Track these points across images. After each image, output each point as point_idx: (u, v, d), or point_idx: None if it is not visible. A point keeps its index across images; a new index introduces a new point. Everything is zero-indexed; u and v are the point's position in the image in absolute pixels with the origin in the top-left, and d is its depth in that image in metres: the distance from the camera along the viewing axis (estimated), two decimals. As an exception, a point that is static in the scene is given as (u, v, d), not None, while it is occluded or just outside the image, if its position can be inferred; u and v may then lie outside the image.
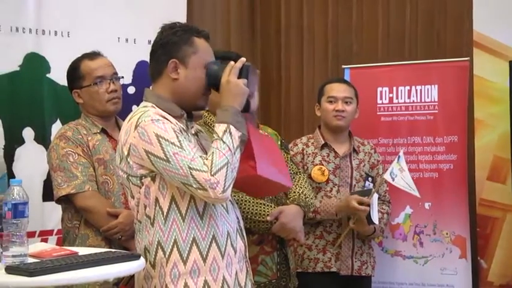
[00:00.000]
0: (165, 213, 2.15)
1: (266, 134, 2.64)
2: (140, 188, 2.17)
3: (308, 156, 3.39)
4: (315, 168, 3.36)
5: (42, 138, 3.47)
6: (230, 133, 2.10)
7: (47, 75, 3.53)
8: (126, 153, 2.15)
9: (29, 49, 3.47)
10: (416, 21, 4.35)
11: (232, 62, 2.21)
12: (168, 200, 2.15)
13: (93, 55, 2.92)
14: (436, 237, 3.82)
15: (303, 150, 3.41)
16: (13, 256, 1.98)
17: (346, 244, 3.34)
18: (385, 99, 3.96)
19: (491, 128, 3.76)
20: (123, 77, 3.07)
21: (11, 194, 2.08)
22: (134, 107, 3.20)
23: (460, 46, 4.11)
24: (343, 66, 4.10)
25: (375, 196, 3.27)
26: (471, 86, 3.80)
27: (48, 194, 3.17)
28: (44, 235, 3.44)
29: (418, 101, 3.90)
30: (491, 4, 3.77)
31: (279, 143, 2.92)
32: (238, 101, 2.16)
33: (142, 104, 2.25)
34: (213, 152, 2.08)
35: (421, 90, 3.90)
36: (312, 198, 2.89)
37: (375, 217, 3.25)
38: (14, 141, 3.42)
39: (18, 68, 3.44)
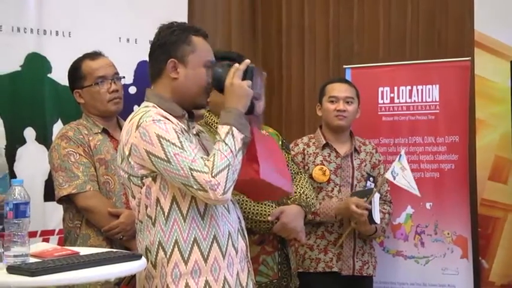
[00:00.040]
0: (166, 214, 2.15)
1: (271, 137, 2.64)
2: (141, 188, 2.17)
3: (309, 156, 3.39)
4: (316, 168, 3.36)
5: (44, 138, 3.48)
6: (233, 135, 2.10)
7: (48, 75, 3.53)
8: (127, 153, 2.16)
9: (30, 49, 3.48)
10: (417, 21, 4.35)
11: (236, 65, 2.21)
12: (169, 200, 2.15)
13: (95, 55, 2.92)
14: (437, 237, 3.82)
15: (304, 150, 3.41)
16: (15, 256, 1.98)
17: (347, 244, 3.34)
18: (386, 99, 3.96)
19: (492, 127, 3.76)
20: (124, 77, 3.07)
21: (12, 194, 2.08)
22: (135, 107, 3.20)
23: (461, 46, 4.10)
24: (345, 66, 4.10)
25: (377, 195, 3.27)
26: (472, 86, 3.80)
27: (49, 194, 3.17)
28: (46, 235, 3.44)
29: (419, 100, 3.90)
30: (493, 4, 3.77)
31: (280, 143, 2.92)
32: (242, 103, 2.15)
33: (144, 104, 2.25)
34: (214, 154, 2.08)
35: (422, 90, 3.90)
36: (313, 199, 2.89)
37: (377, 217, 3.25)
38: (16, 141, 3.42)
39: (19, 68, 3.44)
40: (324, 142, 3.41)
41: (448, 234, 3.80)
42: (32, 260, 2.02)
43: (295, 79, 4.75)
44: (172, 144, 2.08)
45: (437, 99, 3.86)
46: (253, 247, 2.66)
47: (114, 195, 2.79)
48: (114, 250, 2.33)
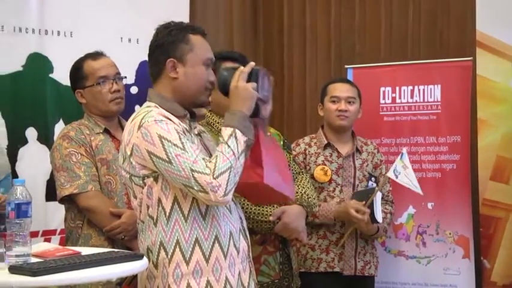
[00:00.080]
0: (167, 214, 2.15)
1: (275, 141, 2.63)
2: (143, 188, 2.17)
3: (311, 156, 3.39)
4: (317, 168, 3.36)
5: (45, 138, 3.48)
6: (236, 137, 2.10)
7: (50, 75, 3.53)
8: (129, 153, 2.16)
9: (32, 49, 3.48)
10: (419, 21, 4.34)
11: (241, 67, 2.21)
12: (170, 200, 2.15)
13: (96, 55, 2.92)
14: (439, 237, 3.81)
15: (305, 150, 3.41)
16: (16, 256, 1.98)
17: (349, 244, 3.34)
18: (388, 99, 3.96)
19: (494, 127, 3.76)
20: (126, 77, 3.07)
21: (14, 194, 2.08)
22: (137, 107, 3.21)
23: (463, 46, 4.10)
24: (346, 66, 4.10)
25: (379, 194, 3.27)
26: (474, 86, 3.80)
27: (51, 193, 3.17)
28: (47, 235, 3.44)
29: (421, 100, 3.90)
30: (494, 4, 3.77)
31: (282, 143, 2.92)
32: (246, 105, 2.15)
33: (146, 104, 2.25)
34: (217, 155, 2.08)
35: (424, 90, 3.90)
36: (314, 199, 2.89)
37: (379, 216, 3.25)
38: (17, 141, 3.42)
39: (21, 68, 3.45)
40: (326, 142, 3.41)
41: (450, 234, 3.80)
42: (34, 260, 2.02)
43: (297, 79, 4.75)
44: (174, 145, 2.08)
45: (439, 99, 3.86)
46: (255, 247, 2.66)
47: (116, 195, 2.79)
48: (116, 250, 2.33)
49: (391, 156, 3.78)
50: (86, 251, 2.18)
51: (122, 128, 2.80)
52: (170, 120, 2.15)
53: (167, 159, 2.07)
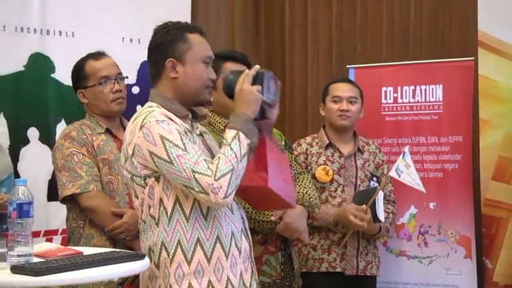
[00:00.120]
0: (169, 214, 2.15)
1: (279, 146, 2.64)
2: (144, 188, 2.17)
3: (312, 156, 3.39)
4: (319, 168, 3.36)
5: (47, 138, 3.48)
6: (239, 140, 2.10)
7: (52, 75, 3.54)
8: (130, 153, 2.16)
9: (34, 49, 3.48)
10: (421, 21, 4.34)
11: (247, 71, 2.21)
12: (172, 200, 2.15)
13: (98, 55, 2.92)
14: (440, 237, 3.81)
15: (306, 150, 3.41)
16: (18, 256, 1.98)
17: (351, 244, 3.33)
18: (390, 99, 3.96)
19: (496, 127, 3.75)
20: (127, 77, 3.07)
21: (16, 194, 2.08)
22: (139, 107, 3.22)
23: (465, 46, 4.09)
24: (348, 66, 4.10)
25: (381, 193, 3.26)
26: (476, 86, 3.79)
27: (53, 193, 3.17)
28: (49, 235, 3.44)
29: (423, 100, 3.90)
30: (496, 4, 3.76)
31: (283, 142, 2.92)
32: (251, 108, 2.15)
33: (148, 104, 2.25)
34: (219, 157, 2.08)
35: (425, 90, 3.90)
36: (316, 199, 2.89)
37: (381, 215, 3.24)
38: (19, 141, 3.43)
39: (22, 68, 3.45)
40: (327, 142, 3.41)
41: (452, 234, 3.80)
42: (36, 259, 2.02)
43: (298, 79, 4.74)
44: (175, 145, 2.08)
45: (441, 99, 3.86)
46: (256, 247, 2.66)
47: (118, 195, 2.79)
48: (118, 250, 2.33)
49: (392, 156, 3.78)
50: (87, 251, 2.18)
51: (124, 128, 2.80)
52: (172, 120, 2.15)
53: (168, 159, 2.07)
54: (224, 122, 2.69)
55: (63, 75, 3.34)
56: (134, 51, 3.69)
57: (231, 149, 2.08)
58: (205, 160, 2.08)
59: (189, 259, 2.14)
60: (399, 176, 3.25)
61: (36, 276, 1.87)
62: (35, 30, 3.48)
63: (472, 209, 3.79)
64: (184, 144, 2.09)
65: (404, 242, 3.87)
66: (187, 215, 2.15)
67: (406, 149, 3.34)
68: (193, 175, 2.04)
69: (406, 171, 3.24)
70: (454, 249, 3.79)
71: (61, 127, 3.38)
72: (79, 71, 2.90)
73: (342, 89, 3.45)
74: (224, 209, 2.20)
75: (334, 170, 3.36)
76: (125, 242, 2.73)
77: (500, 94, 3.74)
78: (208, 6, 4.54)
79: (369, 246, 3.40)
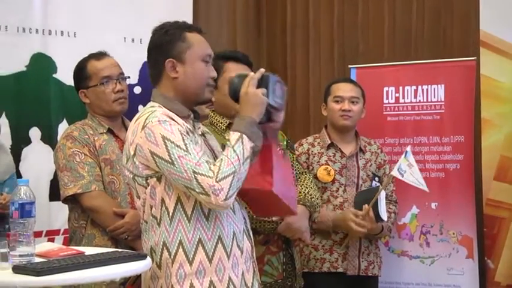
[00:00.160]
0: (170, 214, 2.15)
1: (284, 151, 2.64)
2: (146, 188, 2.17)
3: (314, 156, 3.39)
4: (320, 168, 3.35)
5: (49, 138, 3.48)
6: (242, 142, 2.10)
7: (54, 75, 3.54)
8: (132, 153, 2.16)
9: (36, 49, 3.49)
10: (422, 21, 4.34)
11: (252, 74, 2.21)
12: (174, 200, 2.15)
13: (100, 55, 2.92)
14: (442, 237, 3.81)
15: (308, 150, 3.41)
16: (20, 256, 1.98)
17: (353, 244, 3.33)
18: (392, 98, 3.95)
19: (498, 127, 3.75)
20: (129, 77, 3.07)
21: (18, 194, 2.09)
22: (140, 107, 3.22)
23: (467, 45, 4.09)
24: (350, 66, 4.10)
25: (383, 193, 3.26)
26: (478, 86, 3.79)
27: (54, 193, 3.18)
28: (51, 235, 3.45)
29: (425, 100, 3.90)
30: (498, 3, 3.76)
31: (285, 142, 2.92)
32: (256, 111, 2.15)
33: (150, 104, 2.25)
34: (221, 159, 2.08)
35: (427, 89, 3.89)
36: (317, 199, 2.89)
37: (383, 214, 3.24)
38: (21, 141, 3.43)
39: (24, 68, 3.46)
40: (329, 142, 3.41)
41: (454, 234, 3.79)
42: (38, 259, 2.02)
43: (300, 79, 4.74)
44: (177, 146, 2.08)
45: (443, 99, 3.86)
46: (258, 247, 2.66)
47: (119, 195, 2.79)
48: (119, 250, 2.33)
49: (394, 156, 3.77)
50: (89, 250, 2.18)
51: (126, 128, 2.81)
52: (174, 120, 2.15)
53: (170, 160, 2.07)
54: (226, 122, 2.69)
55: (65, 75, 3.34)
56: (136, 51, 3.69)
57: (234, 151, 2.08)
58: (207, 161, 2.08)
59: (190, 259, 2.14)
60: (402, 176, 3.24)
61: (38, 276, 1.87)
62: (36, 31, 3.49)
63: (474, 209, 3.78)
64: (186, 145, 2.09)
65: (406, 242, 3.86)
66: (189, 215, 2.15)
67: (408, 148, 3.33)
68: (195, 176, 2.04)
69: (409, 171, 3.23)
70: (456, 249, 3.78)
71: (63, 127, 3.39)
72: (81, 71, 2.90)
73: (343, 89, 3.44)
74: (226, 209, 2.20)
75: (336, 170, 3.36)
76: (127, 242, 2.73)
77: (502, 94, 3.73)
78: (209, 6, 4.54)
79: (370, 246, 3.40)
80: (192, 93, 2.24)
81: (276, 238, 2.78)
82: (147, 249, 2.21)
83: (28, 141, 3.46)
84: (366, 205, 3.21)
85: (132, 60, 3.49)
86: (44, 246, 2.21)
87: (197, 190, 2.05)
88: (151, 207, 2.17)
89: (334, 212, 3.30)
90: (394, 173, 3.25)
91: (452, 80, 3.85)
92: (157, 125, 2.11)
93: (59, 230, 3.48)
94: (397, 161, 3.34)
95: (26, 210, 2.07)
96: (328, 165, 3.36)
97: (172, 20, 2.30)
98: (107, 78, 2.86)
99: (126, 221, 2.72)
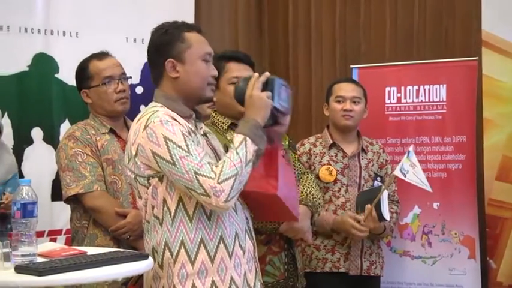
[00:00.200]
0: (172, 214, 2.15)
1: (288, 157, 2.65)
2: (148, 188, 2.17)
3: (315, 156, 3.39)
4: (322, 168, 3.35)
5: (51, 138, 3.49)
6: (245, 145, 2.10)
7: (56, 75, 3.55)
8: (134, 153, 2.16)
9: (38, 49, 3.49)
10: (424, 21, 4.34)
11: (256, 74, 2.21)
12: (175, 200, 2.15)
13: (102, 55, 2.93)
14: (444, 237, 3.81)
15: (310, 150, 3.41)
16: (22, 256, 1.98)
17: (355, 244, 3.33)
18: (393, 98, 3.95)
19: (499, 127, 3.75)
20: (131, 77, 3.07)
21: (20, 194, 2.09)
22: (142, 107, 3.21)
23: (469, 46, 4.09)
24: (351, 66, 4.09)
25: (385, 192, 3.26)
26: (480, 86, 3.79)
27: (57, 193, 3.18)
28: (53, 235, 3.45)
29: (427, 100, 3.89)
30: (500, 3, 3.76)
31: (287, 142, 2.92)
32: (261, 114, 2.15)
33: (152, 104, 2.25)
34: (224, 161, 2.08)
35: (429, 89, 3.89)
36: (319, 199, 2.89)
37: (386, 214, 3.24)
38: (23, 141, 3.44)
39: (26, 68, 3.46)
40: (331, 142, 3.41)
41: (456, 234, 3.79)
42: (40, 259, 2.02)
43: (302, 79, 4.74)
44: (179, 147, 2.08)
45: (445, 99, 3.85)
46: (260, 247, 2.65)
47: (121, 195, 2.80)
48: (121, 250, 2.33)
49: (396, 156, 3.77)
50: (91, 250, 2.18)
51: (128, 128, 2.81)
52: (176, 120, 2.15)
53: (171, 160, 2.07)
54: (228, 122, 2.69)
55: (67, 75, 3.35)
56: (138, 51, 3.69)
57: (237, 153, 2.08)
58: (209, 163, 2.08)
59: (192, 259, 2.14)
60: (404, 176, 3.23)
61: (40, 276, 1.87)
62: (38, 31, 3.49)
63: (476, 209, 3.78)
64: (187, 145, 2.09)
65: (408, 242, 3.86)
66: (191, 215, 2.15)
67: (411, 148, 3.33)
68: (196, 177, 2.04)
69: (411, 171, 3.23)
70: (458, 250, 3.78)
71: (65, 127, 3.40)
72: (83, 71, 2.90)
73: (345, 89, 3.44)
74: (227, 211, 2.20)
75: (338, 170, 3.36)
76: (129, 242, 2.73)
77: (504, 94, 3.74)
78: (211, 6, 4.54)
79: (372, 246, 3.40)
80: (194, 92, 2.24)
81: (277, 238, 2.77)
82: (149, 249, 2.20)
83: (30, 141, 3.46)
84: (369, 205, 3.21)
85: (134, 60, 3.50)
86: (46, 246, 2.21)
87: (198, 191, 2.05)
88: (153, 207, 2.18)
89: (333, 215, 3.30)
90: (397, 173, 3.24)
91: (454, 80, 3.85)
92: (159, 125, 2.11)
93: (61, 230, 3.48)
94: (399, 161, 3.34)
95: (28, 210, 2.07)
96: (330, 165, 3.36)
97: (174, 20, 2.30)
98: (109, 78, 2.86)
99: (128, 221, 2.72)
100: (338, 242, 3.33)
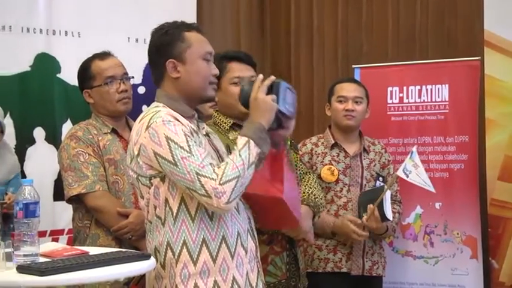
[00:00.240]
0: (174, 214, 2.15)
1: (292, 163, 2.65)
2: (149, 188, 2.17)
3: (317, 156, 3.39)
4: (324, 168, 3.35)
5: (53, 138, 3.49)
6: (249, 148, 2.10)
7: (58, 75, 3.54)
8: (136, 153, 2.16)
9: (40, 49, 3.49)
10: (426, 20, 4.33)
11: (260, 76, 2.22)
12: (177, 201, 2.15)
13: (104, 55, 2.93)
14: (446, 237, 3.80)
15: (311, 150, 3.41)
16: (24, 255, 1.99)
17: (357, 244, 3.33)
18: (396, 98, 3.95)
19: (502, 127, 3.74)
20: (133, 77, 3.08)
21: (22, 194, 2.09)
22: (144, 107, 3.22)
23: (471, 45, 4.08)
24: (353, 66, 4.09)
25: (388, 192, 3.26)
26: (482, 86, 3.79)
27: (59, 193, 3.18)
28: (55, 235, 3.45)
29: (429, 100, 3.89)
30: (502, 3, 3.75)
31: (289, 142, 2.92)
32: (265, 117, 2.15)
33: (154, 104, 2.25)
34: (227, 162, 2.08)
35: (431, 89, 3.89)
36: (321, 199, 2.89)
37: (389, 214, 3.23)
38: (25, 141, 3.44)
39: (29, 68, 3.46)
40: (333, 142, 3.41)
41: (458, 234, 3.79)
42: (42, 259, 2.03)
43: (304, 79, 4.74)
44: (181, 147, 2.08)
45: (447, 99, 3.85)
46: (262, 247, 2.65)
47: (123, 195, 2.80)
48: (123, 250, 2.33)
49: (398, 156, 3.77)
50: (93, 250, 2.19)
51: (130, 128, 2.81)
52: (178, 121, 2.15)
53: (173, 161, 2.07)
54: (229, 122, 2.69)
55: (69, 75, 3.35)
56: (140, 51, 3.65)
57: (240, 155, 2.08)
58: (210, 164, 2.09)
59: (194, 259, 2.14)
60: (407, 176, 3.23)
61: (42, 276, 1.87)
62: (41, 31, 3.49)
63: (478, 209, 3.78)
64: (189, 146, 2.09)
65: (410, 242, 3.86)
66: (193, 215, 2.15)
67: (414, 148, 3.32)
68: (198, 178, 2.05)
69: (414, 171, 3.23)
70: (460, 250, 3.78)
71: (67, 127, 3.39)
72: (85, 71, 2.91)
73: (347, 89, 3.44)
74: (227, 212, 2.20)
75: (340, 170, 3.36)
76: (131, 242, 2.73)
77: (506, 94, 3.73)
78: (213, 6, 4.54)
79: (374, 246, 3.40)
80: (195, 92, 2.24)
81: (279, 238, 2.77)
82: (152, 249, 2.21)
83: (32, 141, 3.47)
84: (371, 205, 3.21)
85: (136, 60, 3.49)
86: (48, 246, 2.21)
87: (199, 192, 2.05)
88: (155, 207, 2.18)
89: (333, 218, 3.30)
90: (399, 173, 3.24)
91: (456, 80, 3.85)
92: (161, 125, 2.11)
93: (63, 230, 3.48)
94: (401, 161, 3.34)
95: (30, 210, 2.07)
96: (332, 165, 3.36)
97: (176, 20, 2.30)
98: (111, 78, 2.86)
99: (130, 221, 2.72)
100: (340, 242, 3.32)
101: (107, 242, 2.74)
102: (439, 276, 3.80)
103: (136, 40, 3.81)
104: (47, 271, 1.89)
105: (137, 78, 3.59)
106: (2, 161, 3.13)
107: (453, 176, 3.82)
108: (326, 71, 4.65)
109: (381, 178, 3.40)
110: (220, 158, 2.27)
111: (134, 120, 2.32)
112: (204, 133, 2.30)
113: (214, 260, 2.15)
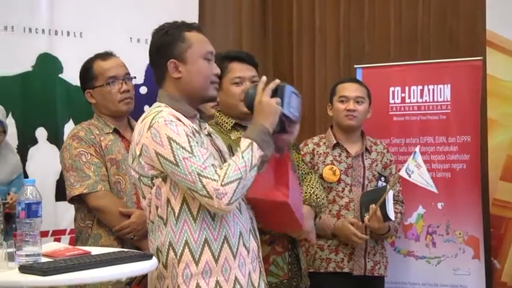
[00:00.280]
0: (176, 214, 2.15)
1: (295, 167, 2.66)
2: (151, 188, 2.17)
3: (319, 156, 3.39)
4: (326, 168, 3.35)
5: (55, 138, 3.49)
6: (252, 150, 2.10)
7: (60, 75, 3.55)
8: (138, 153, 2.16)
9: (42, 49, 3.50)
10: (428, 21, 4.33)
11: (264, 78, 2.22)
12: (179, 201, 2.15)
13: (106, 55, 2.93)
14: (449, 237, 3.80)
15: (313, 150, 3.41)
16: (26, 255, 1.99)
17: (358, 244, 3.32)
18: (398, 98, 3.95)
19: (504, 127, 3.74)
20: (135, 77, 3.08)
21: (24, 194, 2.09)
22: (146, 107, 3.22)
23: (473, 45, 4.08)
24: (355, 66, 4.09)
25: (390, 193, 3.25)
26: (484, 86, 3.78)
27: (61, 193, 3.19)
28: (57, 235, 3.46)
29: (431, 100, 3.89)
30: (504, 3, 3.75)
31: (291, 142, 2.92)
32: (269, 120, 2.16)
33: (156, 104, 2.25)
34: (229, 164, 2.08)
35: (433, 89, 3.89)
36: (323, 199, 2.88)
37: (391, 213, 3.23)
38: (27, 141, 3.44)
39: (31, 69, 3.47)
40: (335, 142, 3.41)
41: (460, 234, 3.79)
42: (44, 259, 2.03)
43: (306, 79, 4.74)
44: (182, 148, 2.08)
45: (449, 99, 3.85)
46: (264, 247, 2.65)
47: (125, 195, 2.80)
48: (125, 250, 2.33)
49: (400, 156, 3.77)
50: (95, 250, 2.19)
51: (132, 128, 2.81)
52: (180, 121, 2.15)
53: (174, 161, 2.07)
54: (231, 122, 2.69)
55: (71, 75, 3.35)
56: (142, 52, 3.63)
57: (242, 157, 2.09)
58: (212, 165, 2.09)
59: (196, 259, 2.14)
60: (409, 176, 3.23)
61: (44, 276, 1.87)
62: (43, 31, 3.50)
63: (480, 209, 3.77)
64: (191, 147, 2.09)
65: (412, 242, 3.86)
66: (195, 216, 2.15)
67: (417, 149, 3.32)
68: (200, 178, 2.05)
69: (417, 172, 3.23)
70: (462, 250, 3.78)
71: (69, 127, 3.40)
72: (87, 71, 2.91)
73: (349, 89, 3.44)
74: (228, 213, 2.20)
75: (342, 170, 3.36)
76: (133, 242, 2.73)
77: (508, 94, 3.72)
78: (215, 7, 4.54)
79: (376, 246, 3.40)
80: (197, 91, 2.24)
81: (281, 238, 2.77)
82: (154, 249, 2.21)
83: (34, 141, 3.47)
84: (373, 205, 3.21)
85: (138, 61, 3.49)
86: (50, 246, 2.21)
87: (201, 193, 2.05)
88: (157, 207, 2.18)
89: (334, 220, 3.30)
90: (402, 173, 3.24)
91: (458, 79, 3.85)
92: (163, 125, 2.11)
93: (65, 230, 3.48)
94: (403, 161, 3.34)
95: (32, 210, 2.07)
96: (334, 165, 3.36)
97: (178, 20, 2.30)
98: (113, 78, 2.86)
99: (132, 221, 2.72)
100: (342, 242, 3.32)
101: (108, 242, 2.74)
102: (441, 276, 3.80)
103: (138, 40, 3.81)
104: (49, 271, 1.89)
105: (139, 79, 3.59)
106: (4, 161, 3.13)
107: (455, 176, 3.82)
108: (328, 71, 4.65)
109: (382, 178, 3.39)
110: (223, 158, 2.27)
111: (136, 120, 2.32)
112: (206, 133, 2.30)
113: (216, 260, 2.15)
